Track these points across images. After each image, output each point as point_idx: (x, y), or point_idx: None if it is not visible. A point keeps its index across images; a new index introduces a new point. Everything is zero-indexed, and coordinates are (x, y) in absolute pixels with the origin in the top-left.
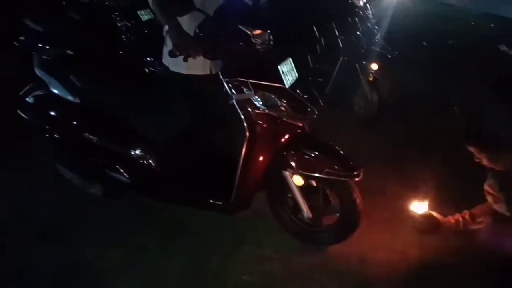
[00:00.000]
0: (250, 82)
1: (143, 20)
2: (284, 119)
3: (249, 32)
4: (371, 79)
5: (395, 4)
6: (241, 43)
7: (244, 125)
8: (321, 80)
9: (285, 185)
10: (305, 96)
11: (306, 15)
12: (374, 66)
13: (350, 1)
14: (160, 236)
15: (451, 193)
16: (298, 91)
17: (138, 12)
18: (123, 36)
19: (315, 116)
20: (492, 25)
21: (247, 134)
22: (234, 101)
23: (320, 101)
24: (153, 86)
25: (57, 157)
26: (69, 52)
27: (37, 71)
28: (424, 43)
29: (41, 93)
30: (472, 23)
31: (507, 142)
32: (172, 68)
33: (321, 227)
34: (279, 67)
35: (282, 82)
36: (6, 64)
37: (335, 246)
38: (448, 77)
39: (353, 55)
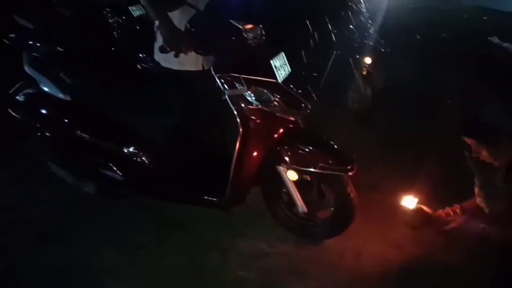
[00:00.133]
0: (243, 77)
1: (135, 15)
2: (277, 114)
3: (240, 27)
4: (364, 73)
5: None
6: (233, 38)
7: (237, 121)
8: (315, 74)
9: (280, 180)
10: (299, 91)
11: (299, 9)
12: (368, 60)
13: None
14: (158, 234)
15: (445, 187)
16: (291, 85)
17: (130, 7)
18: (114, 33)
19: (308, 111)
20: (485, 18)
21: (240, 129)
22: (226, 96)
23: (314, 95)
24: (145, 82)
25: (50, 155)
26: (59, 49)
27: (27, 69)
28: (418, 37)
29: (32, 91)
30: (465, 16)
31: (506, 135)
32: (163, 64)
33: (316, 222)
34: (271, 61)
35: (274, 76)
36: None
37: (330, 240)
38: (441, 70)
39: (346, 49)
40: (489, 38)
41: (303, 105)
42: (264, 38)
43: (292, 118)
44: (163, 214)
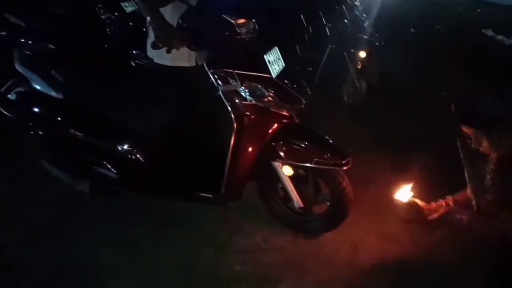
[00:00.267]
0: (236, 73)
1: (127, 11)
2: (272, 109)
3: (233, 22)
4: (359, 67)
5: None
6: (226, 33)
7: (231, 117)
8: (310, 69)
9: (275, 176)
10: (293, 86)
11: (292, 3)
12: (362, 54)
13: None
14: (156, 233)
15: (439, 179)
16: (285, 80)
17: (122, 3)
18: (107, 29)
19: (303, 106)
20: (479, 10)
21: (235, 125)
22: (220, 92)
23: (308, 90)
24: (138, 79)
25: (43, 154)
26: (51, 46)
27: (18, 67)
28: (412, 30)
29: (23, 90)
30: (459, 8)
31: (505, 124)
32: (156, 60)
33: (312, 216)
34: (265, 56)
35: (268, 71)
36: None
37: (326, 234)
38: (435, 63)
39: (341, 44)
40: (483, 30)
41: (297, 99)
42: (257, 32)
43: (286, 113)
44: (161, 212)
